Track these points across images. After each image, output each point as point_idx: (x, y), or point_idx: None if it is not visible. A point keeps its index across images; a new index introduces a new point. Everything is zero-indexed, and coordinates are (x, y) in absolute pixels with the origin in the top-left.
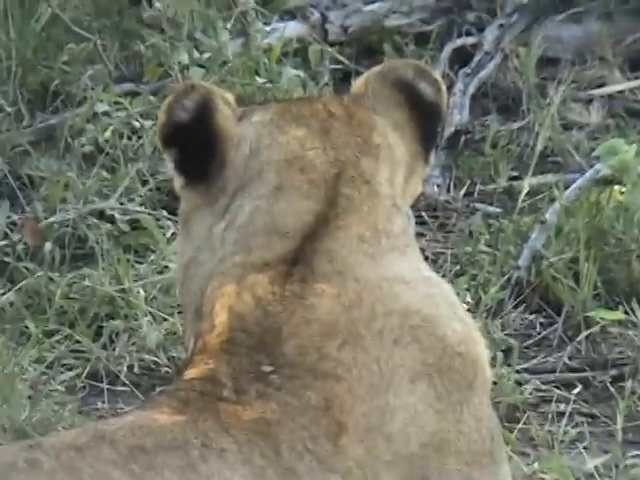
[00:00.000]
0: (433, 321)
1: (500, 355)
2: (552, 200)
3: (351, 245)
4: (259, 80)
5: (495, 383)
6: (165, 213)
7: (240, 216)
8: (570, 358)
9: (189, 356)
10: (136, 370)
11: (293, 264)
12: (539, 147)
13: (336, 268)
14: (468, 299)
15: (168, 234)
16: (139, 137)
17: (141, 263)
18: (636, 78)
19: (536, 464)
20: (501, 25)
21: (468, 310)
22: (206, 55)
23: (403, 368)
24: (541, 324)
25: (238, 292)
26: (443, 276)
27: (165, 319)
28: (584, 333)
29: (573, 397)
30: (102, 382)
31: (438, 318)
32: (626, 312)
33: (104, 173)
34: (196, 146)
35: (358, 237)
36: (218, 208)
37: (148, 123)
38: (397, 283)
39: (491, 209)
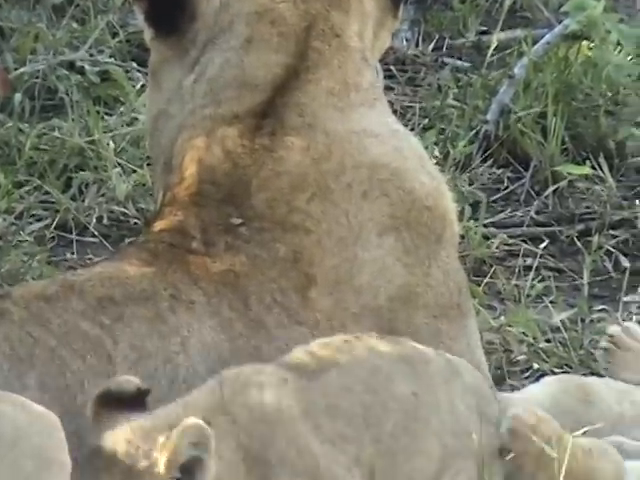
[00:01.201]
0: (401, 175)
1: (468, 209)
2: (520, 55)
3: (321, 99)
4: None
5: (462, 237)
6: (135, 65)
7: (210, 69)
8: (537, 212)
9: (158, 208)
10: (105, 221)
11: (263, 117)
12: (508, 2)
13: (306, 121)
14: (436, 153)
15: (138, 86)
16: None
17: (111, 115)
18: None
19: (503, 317)
20: None
21: (436, 164)
22: None
23: (372, 222)
24: (509, 178)
25: (207, 145)
26: (412, 130)
27: (134, 171)
28: (551, 188)
29: (540, 251)
30: (71, 233)
31: (406, 172)
32: (593, 167)
33: (74, 24)
34: None
35: (328, 91)
36: (188, 60)
37: None
38: (366, 136)
39: (460, 63)
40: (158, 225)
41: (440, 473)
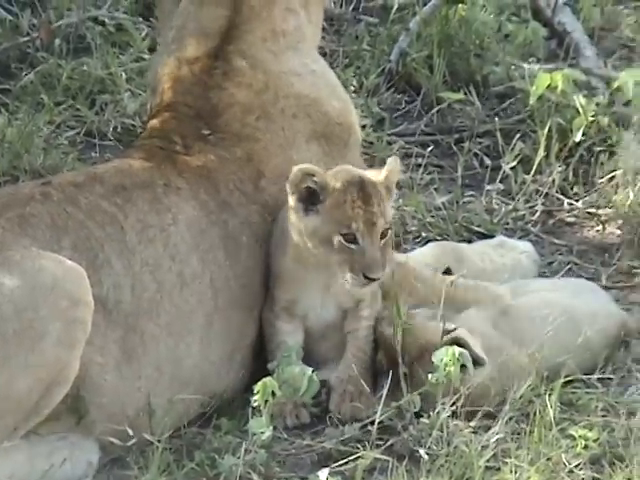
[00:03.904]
0: (318, 102)
1: (376, 123)
2: (414, 14)
3: (257, 45)
4: None
5: (372, 143)
6: (141, 19)
7: (177, 19)
8: (426, 125)
9: (147, 120)
10: (119, 130)
11: (215, 59)
12: None
13: (248, 63)
14: (354, 83)
15: (143, 34)
16: None
17: (123, 54)
18: None
19: (401, 200)
20: None
21: (354, 92)
22: None
23: (300, 134)
24: (406, 101)
25: (178, 78)
26: (337, 67)
27: (140, 94)
28: (436, 108)
29: (427, 153)
30: (95, 138)
31: (322, 99)
32: (465, 93)
33: None
34: None
35: (261, 38)
36: (171, 16)
37: None
38: (291, 75)
39: (371, 19)
40: (150, 134)
41: None
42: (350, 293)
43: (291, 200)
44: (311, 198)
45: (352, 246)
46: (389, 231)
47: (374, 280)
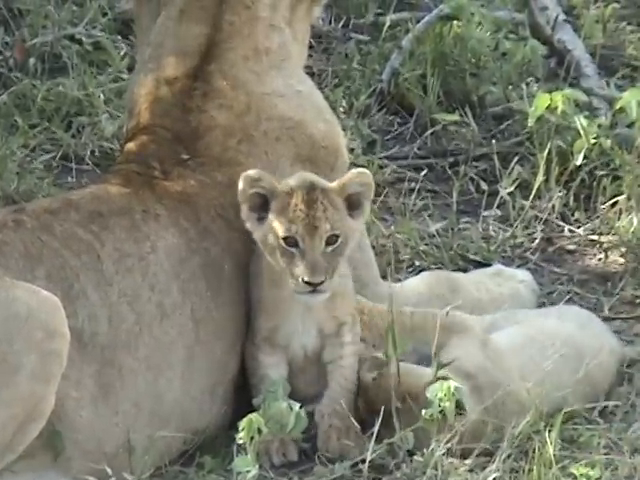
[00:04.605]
0: (303, 124)
1: (367, 146)
2: (407, 31)
3: (239, 64)
4: None
5: (365, 166)
6: (119, 37)
7: (155, 35)
8: (419, 148)
9: (123, 143)
10: (97, 154)
11: (195, 80)
12: None
13: (229, 84)
14: (344, 104)
15: (121, 53)
16: None
17: (101, 74)
18: None
19: (393, 227)
20: None
21: (344, 113)
22: None
23: (284, 157)
24: (398, 123)
25: (156, 99)
26: (325, 87)
27: (119, 116)
28: (430, 130)
29: (421, 178)
30: (71, 162)
31: (306, 122)
32: (461, 115)
33: (74, 7)
34: None
35: (243, 56)
36: (148, 33)
37: None
38: (275, 97)
39: (362, 37)
40: (127, 158)
41: None
42: (331, 315)
43: (243, 210)
44: (263, 206)
45: (293, 249)
46: (338, 239)
47: (316, 286)
